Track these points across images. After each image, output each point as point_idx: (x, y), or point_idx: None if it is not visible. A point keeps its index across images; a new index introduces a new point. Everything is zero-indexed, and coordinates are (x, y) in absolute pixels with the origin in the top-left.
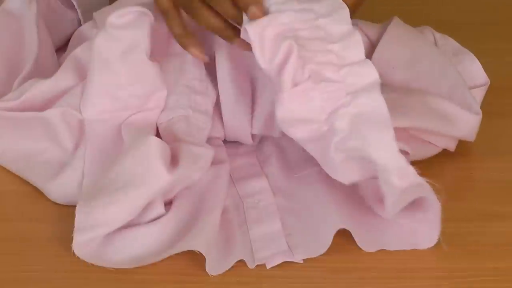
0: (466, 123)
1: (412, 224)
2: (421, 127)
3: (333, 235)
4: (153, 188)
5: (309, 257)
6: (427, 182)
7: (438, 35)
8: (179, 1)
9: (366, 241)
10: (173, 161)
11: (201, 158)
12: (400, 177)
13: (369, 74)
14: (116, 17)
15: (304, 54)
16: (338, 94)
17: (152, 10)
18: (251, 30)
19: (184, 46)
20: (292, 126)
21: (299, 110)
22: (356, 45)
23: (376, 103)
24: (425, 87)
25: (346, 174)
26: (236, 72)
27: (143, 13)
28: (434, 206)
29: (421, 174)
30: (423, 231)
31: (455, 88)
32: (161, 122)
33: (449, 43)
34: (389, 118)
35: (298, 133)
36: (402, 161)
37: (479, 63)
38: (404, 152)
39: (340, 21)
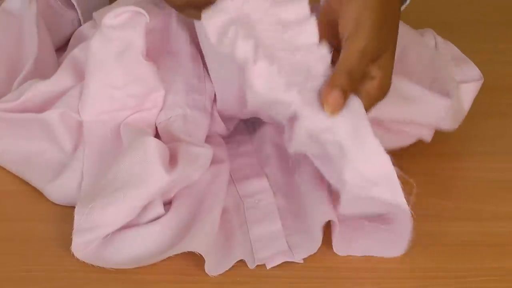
0: (434, 106)
1: (383, 233)
2: (390, 117)
3: (321, 228)
4: (152, 189)
5: (308, 255)
6: (400, 175)
7: (439, 39)
8: None
9: (341, 243)
10: (172, 161)
11: (200, 158)
12: (372, 164)
13: (322, 59)
14: (111, 17)
15: (256, 34)
16: (300, 73)
17: (147, 8)
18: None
19: None
20: (262, 105)
21: (264, 88)
22: (310, 29)
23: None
24: (409, 75)
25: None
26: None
27: (138, 12)
28: (403, 215)
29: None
30: (393, 239)
31: (439, 76)
32: (160, 122)
33: (450, 48)
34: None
35: (269, 114)
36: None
37: (477, 68)
38: None
39: (298, 8)
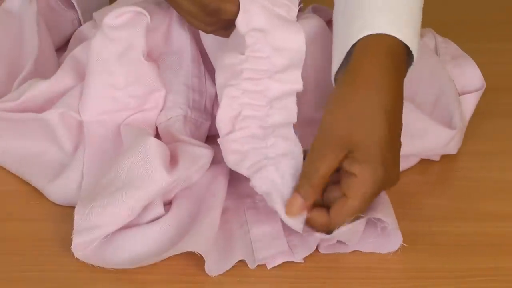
0: (440, 139)
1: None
2: None
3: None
4: (152, 189)
5: (308, 254)
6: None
7: (440, 38)
8: None
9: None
10: (172, 161)
11: (201, 158)
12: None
13: (289, 138)
14: (112, 18)
15: (237, 106)
16: (259, 154)
17: (148, 9)
18: None
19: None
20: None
21: (231, 160)
22: (288, 108)
23: (288, 174)
24: (414, 92)
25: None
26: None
27: (139, 12)
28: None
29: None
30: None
31: (442, 94)
32: (160, 122)
33: (450, 47)
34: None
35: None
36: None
37: (477, 68)
38: None
39: (288, 81)
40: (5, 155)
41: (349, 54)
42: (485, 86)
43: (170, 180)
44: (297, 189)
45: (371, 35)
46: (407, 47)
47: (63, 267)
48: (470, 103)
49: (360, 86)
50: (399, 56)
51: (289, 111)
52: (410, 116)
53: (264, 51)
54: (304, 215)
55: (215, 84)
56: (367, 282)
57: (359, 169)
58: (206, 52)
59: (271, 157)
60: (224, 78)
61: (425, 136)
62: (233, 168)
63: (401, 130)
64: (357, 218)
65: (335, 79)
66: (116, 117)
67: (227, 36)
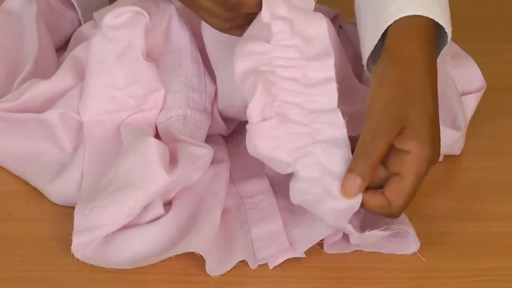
0: (446, 139)
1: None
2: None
3: (326, 233)
4: (152, 190)
5: (308, 247)
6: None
7: None
8: None
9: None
10: (172, 161)
11: (201, 158)
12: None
13: (336, 123)
14: (111, 17)
15: (276, 91)
16: (303, 139)
17: (147, 8)
18: None
19: None
20: (260, 158)
21: (265, 147)
22: (330, 94)
23: (338, 157)
24: None
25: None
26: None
27: (138, 12)
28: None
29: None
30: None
31: (444, 95)
32: (160, 122)
33: (450, 46)
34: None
35: (266, 163)
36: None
37: (477, 67)
38: None
39: (323, 68)
40: (5, 155)
41: (380, 38)
42: (485, 87)
43: (169, 180)
44: (351, 169)
45: (403, 17)
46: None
47: (63, 267)
48: (471, 103)
49: (408, 66)
50: (434, 37)
51: (330, 96)
52: None
53: (292, 39)
54: (360, 197)
55: (214, 83)
56: (367, 282)
57: (414, 146)
58: (205, 51)
59: (319, 140)
60: (248, 66)
61: None
62: (265, 155)
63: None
64: (385, 229)
65: (367, 65)
66: (115, 117)
67: (241, 35)
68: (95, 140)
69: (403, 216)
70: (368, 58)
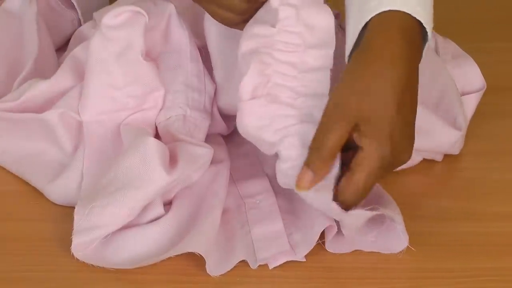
0: (446, 138)
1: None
2: None
3: (320, 231)
4: (152, 189)
5: (308, 250)
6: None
7: (440, 38)
8: None
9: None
10: (172, 161)
11: (201, 158)
12: (332, 214)
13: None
14: (110, 17)
15: (269, 73)
16: (289, 121)
17: (146, 8)
18: None
19: None
20: (249, 138)
21: (252, 126)
22: (323, 81)
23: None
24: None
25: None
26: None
27: (137, 12)
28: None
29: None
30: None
31: (444, 95)
32: (160, 122)
33: (450, 46)
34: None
35: (255, 144)
36: (324, 200)
37: (477, 67)
38: None
39: (321, 57)
40: (5, 155)
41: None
42: (485, 87)
43: (169, 180)
44: (306, 162)
45: (383, 13)
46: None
47: (63, 267)
48: (471, 103)
49: (372, 61)
50: (412, 32)
51: (322, 83)
52: (418, 115)
53: (296, 26)
54: (328, 193)
55: (214, 82)
56: (367, 282)
57: (366, 143)
58: (205, 50)
59: (305, 121)
60: (251, 47)
61: (433, 135)
62: (252, 134)
63: (415, 108)
64: (371, 209)
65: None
66: (115, 117)
67: None
68: (94, 140)
69: (391, 202)
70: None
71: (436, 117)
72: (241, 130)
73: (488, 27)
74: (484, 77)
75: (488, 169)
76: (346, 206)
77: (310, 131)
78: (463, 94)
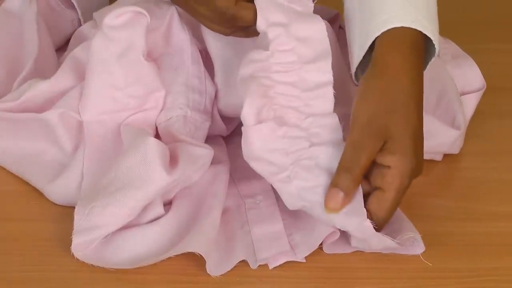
0: (445, 138)
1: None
2: None
3: (323, 236)
4: (152, 189)
5: (309, 252)
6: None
7: (440, 38)
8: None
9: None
10: (172, 161)
11: (201, 158)
12: (359, 232)
13: (333, 128)
14: (112, 18)
15: (272, 95)
16: (300, 143)
17: (148, 9)
18: None
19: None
20: (254, 161)
21: (261, 149)
22: (326, 98)
23: (336, 159)
24: None
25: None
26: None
27: (139, 12)
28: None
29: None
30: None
31: (443, 95)
32: (160, 122)
33: (450, 46)
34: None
35: (258, 169)
36: (362, 216)
37: (477, 67)
38: None
39: (319, 70)
40: (5, 155)
41: (368, 48)
42: (485, 87)
43: (169, 180)
44: (335, 183)
45: (393, 29)
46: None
47: (63, 267)
48: (471, 103)
49: (393, 78)
50: (421, 49)
51: (326, 100)
52: None
53: (288, 43)
54: (362, 214)
55: (215, 83)
56: (367, 282)
57: (395, 161)
58: (206, 52)
59: (316, 144)
60: (249, 72)
61: (432, 135)
62: (260, 157)
63: (423, 122)
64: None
65: (355, 74)
66: (116, 117)
67: (246, 36)
68: (95, 140)
69: (408, 222)
70: (357, 68)
71: (434, 117)
72: (247, 154)
73: (488, 28)
74: (484, 78)
75: (488, 169)
76: (378, 225)
77: (322, 152)
78: (463, 94)
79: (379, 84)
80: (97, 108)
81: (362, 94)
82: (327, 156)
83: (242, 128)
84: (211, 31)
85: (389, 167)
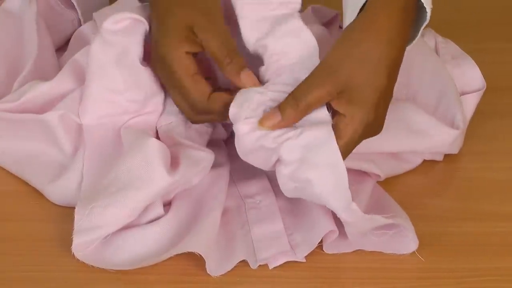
0: (445, 138)
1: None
2: (398, 150)
3: (322, 235)
4: (153, 190)
5: (309, 252)
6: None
7: (440, 38)
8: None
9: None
10: (173, 163)
11: (202, 162)
12: (348, 215)
13: (321, 111)
14: (111, 23)
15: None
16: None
17: (147, 16)
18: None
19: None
20: (249, 155)
21: (251, 140)
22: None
23: (326, 136)
24: (415, 92)
25: (295, 196)
26: None
27: (138, 20)
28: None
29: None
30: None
31: (443, 95)
32: (160, 126)
33: (450, 46)
34: (339, 155)
35: (254, 162)
36: (348, 200)
37: (477, 68)
38: (375, 175)
39: (310, 69)
40: (4, 156)
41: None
42: (485, 87)
43: (170, 181)
44: (279, 105)
45: None
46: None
47: (63, 267)
48: (470, 103)
49: (372, 34)
50: (411, 14)
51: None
52: (415, 116)
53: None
54: (343, 165)
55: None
56: (367, 282)
57: (350, 110)
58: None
59: (302, 125)
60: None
61: (430, 135)
62: (249, 148)
63: (394, 86)
64: (388, 217)
65: None
66: (116, 120)
67: (211, 121)
68: (95, 142)
69: (403, 213)
70: None
71: (433, 119)
72: (241, 151)
73: (488, 27)
74: (484, 77)
75: (488, 169)
76: None
77: (307, 131)
78: (463, 94)
79: (358, 37)
80: (97, 112)
81: (337, 42)
82: (313, 134)
83: (233, 127)
84: None
85: (344, 115)
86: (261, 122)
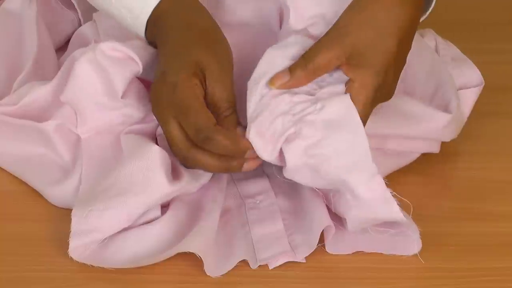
0: (436, 122)
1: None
2: (390, 134)
3: (319, 233)
4: (152, 197)
5: (309, 252)
6: (395, 197)
7: (440, 39)
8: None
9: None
10: (174, 173)
11: (203, 178)
12: (369, 188)
13: (339, 81)
14: (109, 48)
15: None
16: (305, 103)
17: (146, 53)
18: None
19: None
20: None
21: (267, 120)
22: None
23: (347, 109)
24: (412, 87)
25: (302, 177)
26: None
27: (135, 60)
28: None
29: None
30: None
31: (439, 88)
32: (160, 133)
33: (451, 48)
34: (362, 127)
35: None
36: (372, 171)
37: (477, 69)
38: None
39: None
40: (4, 157)
41: None
42: (483, 83)
43: (170, 190)
44: (290, 67)
45: None
46: None
47: (63, 267)
48: (469, 98)
49: (384, 3)
50: None
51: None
52: (407, 103)
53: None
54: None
55: None
56: (367, 282)
57: (359, 74)
58: None
59: (321, 98)
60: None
61: (423, 120)
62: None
63: (407, 54)
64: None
65: None
66: (114, 129)
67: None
68: (93, 148)
69: (406, 214)
70: None
71: (426, 105)
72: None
73: (488, 28)
74: (484, 77)
75: (488, 169)
76: None
77: (326, 105)
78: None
79: (369, 2)
80: (94, 126)
81: (348, 7)
82: (335, 108)
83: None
84: None
85: (354, 81)
86: (271, 81)
